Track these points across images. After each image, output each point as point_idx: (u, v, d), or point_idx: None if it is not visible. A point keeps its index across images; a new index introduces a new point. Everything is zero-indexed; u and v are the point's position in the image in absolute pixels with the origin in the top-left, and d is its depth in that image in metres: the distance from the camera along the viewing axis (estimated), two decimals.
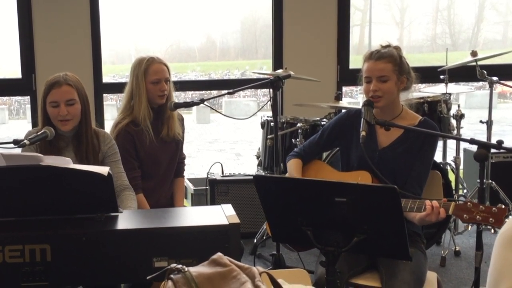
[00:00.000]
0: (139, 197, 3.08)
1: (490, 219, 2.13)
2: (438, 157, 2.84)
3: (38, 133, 2.59)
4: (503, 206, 2.13)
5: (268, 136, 4.11)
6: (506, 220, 2.10)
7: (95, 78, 4.79)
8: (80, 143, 2.74)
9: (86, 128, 2.75)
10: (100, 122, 4.81)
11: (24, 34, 4.68)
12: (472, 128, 7.58)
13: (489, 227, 4.32)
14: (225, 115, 3.67)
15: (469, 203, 2.18)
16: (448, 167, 4.47)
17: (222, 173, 4.46)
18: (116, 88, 5.26)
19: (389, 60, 2.61)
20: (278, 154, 3.40)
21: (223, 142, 11.86)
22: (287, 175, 2.95)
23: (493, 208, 2.13)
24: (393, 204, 1.88)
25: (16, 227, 2.14)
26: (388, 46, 2.68)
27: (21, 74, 4.77)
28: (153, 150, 3.21)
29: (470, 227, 4.30)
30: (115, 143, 2.89)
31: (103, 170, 2.14)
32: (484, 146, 2.27)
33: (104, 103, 5.02)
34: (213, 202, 4.25)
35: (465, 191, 4.66)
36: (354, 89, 12.43)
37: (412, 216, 2.42)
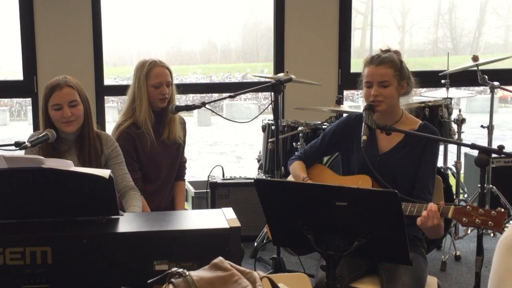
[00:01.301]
0: None
1: (489, 222, 2.13)
2: (439, 162, 2.84)
3: (40, 136, 2.60)
4: (502, 210, 2.14)
5: (269, 140, 4.12)
6: (507, 225, 2.10)
7: (97, 80, 4.79)
8: (82, 146, 2.74)
9: (89, 130, 2.75)
10: (101, 124, 4.82)
11: (26, 36, 4.69)
12: (473, 132, 7.58)
13: (489, 231, 4.35)
14: (226, 118, 3.68)
15: (468, 207, 2.19)
16: (449, 172, 4.47)
17: (223, 176, 4.47)
18: (118, 90, 5.27)
19: (390, 65, 2.62)
20: (279, 157, 3.40)
21: (224, 145, 11.87)
22: (291, 176, 2.95)
23: (493, 212, 2.13)
24: (394, 208, 1.88)
25: (17, 229, 2.13)
26: (388, 50, 2.69)
27: (22, 76, 4.78)
28: (154, 153, 3.21)
29: (470, 230, 4.31)
30: (118, 145, 2.89)
31: (104, 173, 2.15)
32: (485, 151, 2.27)
33: (106, 105, 5.02)
34: (213, 205, 4.25)
35: (465, 195, 4.66)
36: (355, 93, 12.44)
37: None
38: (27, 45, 4.69)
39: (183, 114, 3.41)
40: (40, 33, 4.69)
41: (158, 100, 3.19)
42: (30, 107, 4.88)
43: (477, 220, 2.16)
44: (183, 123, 3.40)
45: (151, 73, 3.18)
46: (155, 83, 3.18)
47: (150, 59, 3.22)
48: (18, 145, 2.47)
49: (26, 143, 2.50)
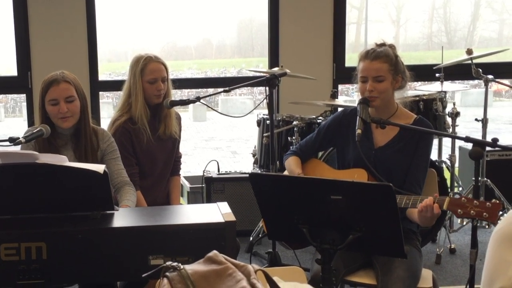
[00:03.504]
0: (137, 194, 3.08)
1: (484, 213, 2.15)
2: (433, 155, 2.85)
3: (34, 131, 2.59)
4: (497, 201, 2.15)
5: (264, 134, 4.12)
6: (501, 217, 2.11)
7: (91, 75, 4.78)
8: (79, 141, 2.75)
9: (85, 125, 2.75)
10: (96, 120, 4.79)
11: (20, 32, 4.67)
12: (467, 126, 7.60)
13: (483, 223, 4.37)
14: (221, 113, 3.68)
15: (463, 198, 2.20)
16: (444, 165, 4.48)
17: (218, 171, 4.47)
18: (112, 86, 5.25)
19: (385, 60, 2.61)
20: (274, 152, 3.40)
21: (219, 140, 11.86)
22: (286, 171, 2.95)
23: (487, 203, 2.14)
24: (388, 201, 1.89)
25: (11, 225, 2.13)
26: (383, 44, 2.68)
27: (16, 72, 4.76)
28: (150, 149, 3.21)
29: (465, 222, 4.32)
30: (114, 140, 2.89)
31: (99, 168, 2.14)
32: (479, 144, 2.28)
33: (100, 101, 5.01)
34: (209, 200, 4.26)
35: (460, 189, 4.67)
36: (350, 87, 12.44)
37: (414, 218, 2.43)
38: (21, 41, 4.67)
39: (178, 109, 3.41)
40: (34, 28, 4.67)
41: (154, 96, 3.18)
42: (25, 103, 4.86)
43: (472, 211, 2.17)
44: (179, 118, 3.40)
45: (146, 69, 3.17)
46: (150, 79, 3.17)
47: (145, 55, 3.21)
48: (12, 140, 2.46)
49: (21, 139, 2.49)
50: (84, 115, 2.74)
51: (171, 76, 3.32)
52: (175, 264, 1.32)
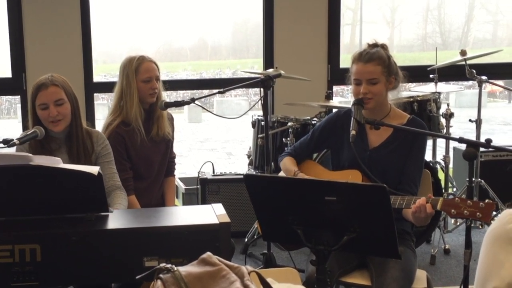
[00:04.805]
0: (131, 198, 3.07)
1: (478, 213, 2.15)
2: (427, 156, 2.86)
3: (28, 133, 2.59)
4: (491, 201, 2.16)
5: (259, 135, 4.12)
6: (495, 218, 2.12)
7: (86, 77, 4.77)
8: (72, 144, 2.73)
9: (77, 128, 2.74)
10: (91, 121, 4.80)
11: (14, 33, 4.66)
12: (461, 127, 7.62)
13: (477, 223, 4.38)
14: (216, 115, 3.67)
15: (457, 199, 2.21)
16: (438, 166, 4.49)
17: (213, 172, 4.47)
18: (107, 87, 5.21)
19: (379, 62, 2.62)
20: (269, 153, 3.41)
21: (214, 142, 11.86)
22: (282, 171, 2.95)
23: (481, 203, 2.15)
24: (382, 202, 1.89)
25: (5, 227, 2.13)
26: (376, 45, 2.68)
27: (11, 73, 4.75)
28: (144, 150, 3.21)
29: (459, 222, 4.33)
30: (108, 143, 2.88)
31: (93, 169, 2.14)
32: (472, 145, 2.29)
33: (95, 102, 5.00)
34: (204, 202, 4.25)
35: (454, 189, 4.69)
36: (345, 88, 12.45)
37: (410, 217, 2.44)
38: (15, 42, 4.66)
39: (173, 111, 3.41)
40: (29, 29, 4.66)
41: (148, 95, 3.18)
42: (19, 105, 4.85)
43: (465, 211, 2.18)
44: (171, 119, 3.40)
45: (141, 68, 3.17)
46: (145, 78, 3.17)
47: (137, 55, 3.21)
48: (6, 142, 2.46)
49: (15, 141, 2.49)
50: (76, 117, 2.73)
51: (166, 77, 3.32)
52: (169, 266, 1.32)
